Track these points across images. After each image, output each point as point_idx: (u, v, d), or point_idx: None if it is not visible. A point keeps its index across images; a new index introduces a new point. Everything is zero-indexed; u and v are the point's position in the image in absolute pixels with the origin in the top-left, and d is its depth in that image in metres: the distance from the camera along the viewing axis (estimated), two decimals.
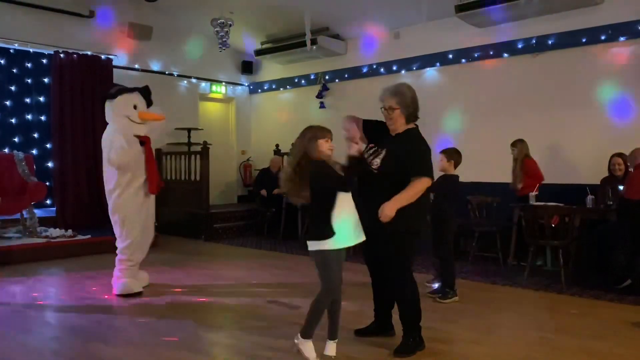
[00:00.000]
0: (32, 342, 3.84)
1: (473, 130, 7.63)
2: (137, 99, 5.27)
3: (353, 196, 3.33)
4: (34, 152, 8.44)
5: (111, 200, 5.13)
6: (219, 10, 8.46)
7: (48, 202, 8.56)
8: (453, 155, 5.04)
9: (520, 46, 7.25)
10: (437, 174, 5.15)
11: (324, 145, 3.26)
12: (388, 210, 3.32)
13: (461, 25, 7.52)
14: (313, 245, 3.27)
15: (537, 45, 7.10)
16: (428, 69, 8.26)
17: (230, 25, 8.55)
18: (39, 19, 8.11)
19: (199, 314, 4.56)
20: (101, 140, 5.18)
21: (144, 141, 5.20)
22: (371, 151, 3.68)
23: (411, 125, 3.66)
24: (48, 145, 8.70)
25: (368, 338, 3.87)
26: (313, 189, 3.21)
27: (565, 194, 6.40)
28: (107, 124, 5.22)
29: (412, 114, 3.61)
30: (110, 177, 5.11)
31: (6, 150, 7.99)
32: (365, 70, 9.00)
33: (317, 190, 3.22)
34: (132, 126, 5.15)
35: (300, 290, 5.23)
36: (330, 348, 3.38)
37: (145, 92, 5.39)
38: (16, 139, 8.51)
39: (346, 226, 3.26)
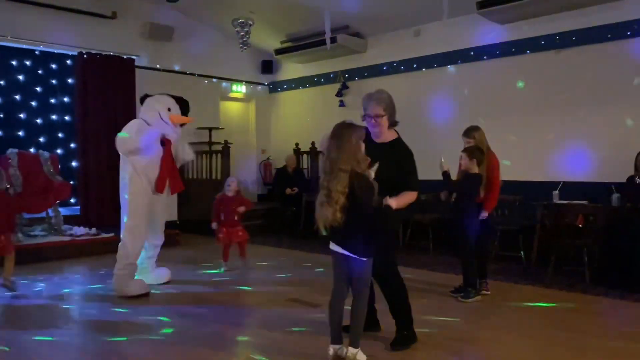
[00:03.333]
0: (58, 338, 3.92)
1: (494, 128, 7.50)
2: (173, 104, 5.43)
3: None
4: (59, 151, 8.59)
5: (123, 193, 5.19)
6: (239, 10, 8.51)
7: (72, 201, 8.71)
8: (475, 153, 4.95)
9: (542, 43, 7.15)
10: (455, 172, 5.18)
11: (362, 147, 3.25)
12: (394, 203, 3.38)
13: (482, 22, 7.45)
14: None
15: (560, 42, 7.00)
16: (449, 66, 8.20)
17: (251, 25, 8.59)
18: (63, 21, 8.25)
19: (220, 312, 4.59)
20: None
21: (164, 142, 5.27)
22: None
23: (394, 134, 3.78)
24: (72, 145, 8.85)
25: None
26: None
27: (590, 193, 6.30)
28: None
29: (394, 120, 3.76)
30: (123, 171, 5.19)
31: (32, 150, 8.14)
32: (385, 68, 8.97)
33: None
34: (158, 122, 5.23)
35: (320, 288, 5.23)
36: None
37: (183, 104, 5.55)
38: (41, 139, 8.68)
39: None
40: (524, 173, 7.14)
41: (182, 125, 5.57)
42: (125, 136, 5.04)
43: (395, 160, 3.62)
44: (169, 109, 5.33)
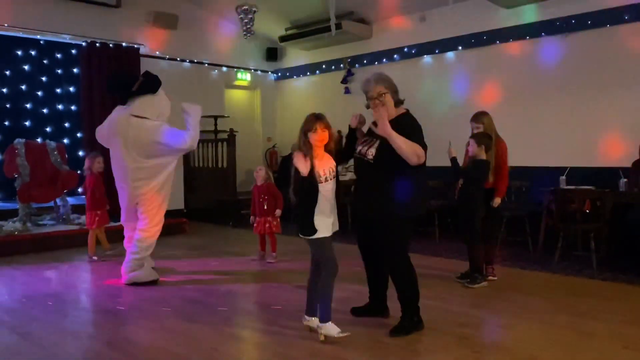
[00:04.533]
0: (68, 326, 3.96)
1: (501, 114, 7.45)
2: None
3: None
4: (65, 141, 8.62)
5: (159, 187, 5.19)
6: None
7: (80, 190, 8.74)
8: (483, 139, 4.91)
9: (549, 26, 7.08)
10: (461, 158, 5.16)
11: (312, 137, 3.49)
12: (387, 128, 3.46)
13: (488, 7, 7.38)
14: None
15: (568, 26, 6.92)
16: (454, 51, 8.14)
17: (255, 12, 8.55)
18: (67, 10, 8.23)
19: (227, 299, 4.63)
20: (143, 123, 5.09)
21: None
22: (364, 142, 3.75)
23: (402, 110, 3.74)
24: (78, 135, 8.88)
25: (364, 318, 3.94)
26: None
27: (597, 178, 6.27)
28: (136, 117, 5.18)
29: (398, 99, 3.73)
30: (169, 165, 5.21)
31: (39, 139, 8.18)
32: (390, 54, 8.91)
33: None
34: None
35: None
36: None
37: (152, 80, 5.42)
38: (48, 129, 8.72)
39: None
40: (531, 159, 7.11)
41: None
42: (192, 134, 5.07)
43: (398, 131, 3.52)
44: None
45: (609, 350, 3.40)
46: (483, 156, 4.88)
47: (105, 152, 5.73)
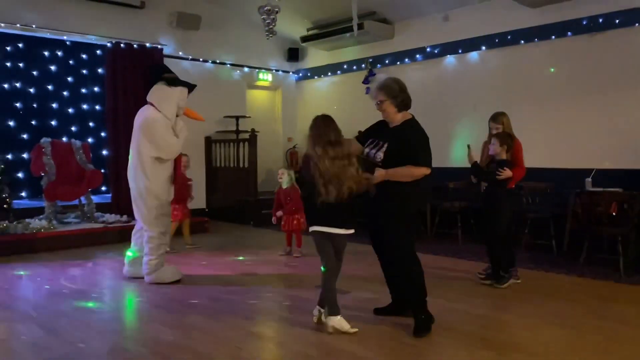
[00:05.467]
0: (94, 322, 4.01)
1: (525, 114, 7.40)
2: (186, 95, 5.32)
3: None
4: (90, 140, 8.75)
5: (142, 183, 5.08)
6: None
7: (104, 188, 8.87)
8: (506, 139, 4.88)
9: (576, 26, 6.96)
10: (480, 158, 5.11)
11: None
12: (378, 175, 3.68)
13: (513, 6, 7.29)
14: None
15: (595, 25, 6.80)
16: (478, 51, 8.05)
17: (277, 12, 8.54)
18: (93, 11, 8.34)
19: (250, 297, 4.64)
20: (142, 120, 5.09)
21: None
22: (372, 145, 3.92)
23: (408, 116, 3.88)
24: (103, 134, 9.00)
25: (387, 318, 3.97)
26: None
27: (624, 180, 6.15)
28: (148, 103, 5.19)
29: (401, 103, 3.84)
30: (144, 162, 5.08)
31: (64, 139, 8.31)
32: (412, 54, 8.86)
33: None
34: (174, 116, 5.18)
35: (346, 277, 5.25)
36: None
37: (191, 89, 5.40)
38: (73, 128, 8.85)
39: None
40: (555, 160, 7.01)
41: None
42: (168, 142, 5.05)
43: (404, 140, 3.73)
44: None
45: (637, 356, 3.34)
46: (504, 156, 4.87)
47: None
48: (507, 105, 7.04)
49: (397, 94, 3.83)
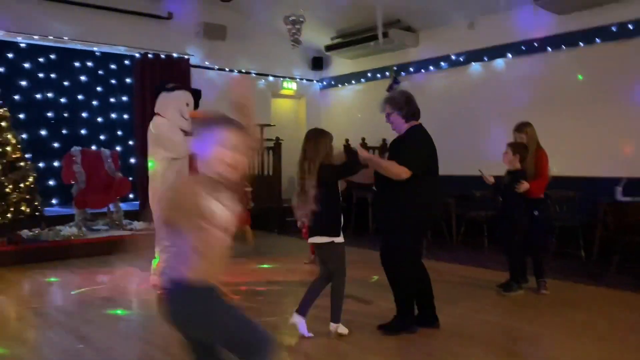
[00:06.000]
0: (123, 330, 4.09)
1: (552, 122, 7.31)
2: (190, 98, 5.45)
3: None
4: (118, 148, 8.93)
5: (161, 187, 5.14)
6: (291, 7, 8.56)
7: (131, 196, 9.03)
8: (519, 149, 4.91)
9: (605, 33, 6.85)
10: (497, 166, 5.06)
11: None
12: (364, 153, 3.81)
13: (540, 13, 7.21)
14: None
15: (624, 32, 6.68)
16: (504, 59, 7.98)
17: (302, 22, 8.63)
18: (122, 23, 8.53)
19: (275, 306, 4.66)
20: (149, 128, 5.28)
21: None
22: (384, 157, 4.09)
23: (413, 123, 3.94)
24: (131, 142, 9.17)
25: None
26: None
27: None
28: (155, 114, 5.36)
29: (408, 113, 3.92)
30: (160, 168, 5.18)
31: (93, 147, 8.50)
32: (437, 62, 8.83)
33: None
34: (180, 120, 5.28)
35: (373, 285, 5.24)
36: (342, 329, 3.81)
37: (196, 95, 5.56)
38: (102, 137, 9.05)
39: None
40: (583, 168, 6.89)
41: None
42: (173, 140, 5.13)
43: (400, 145, 3.88)
44: (187, 104, 5.37)
45: None
46: (518, 166, 4.89)
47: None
48: (534, 113, 6.98)
49: (403, 105, 3.92)
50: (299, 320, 3.79)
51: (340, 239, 3.75)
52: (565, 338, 3.81)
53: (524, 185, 4.79)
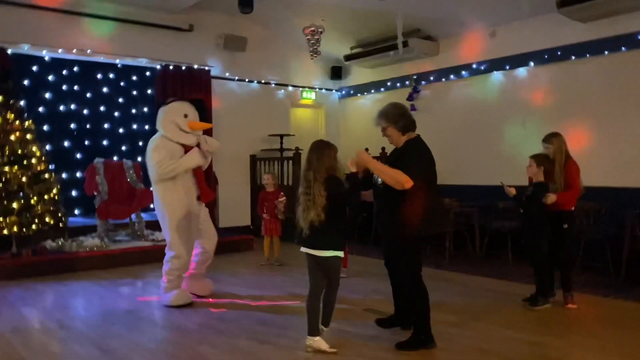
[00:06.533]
0: (146, 343, 4.08)
1: (577, 132, 7.19)
2: (189, 109, 5.27)
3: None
4: (140, 159, 8.98)
5: (158, 205, 5.18)
6: (310, 18, 8.58)
7: (153, 206, 9.05)
8: (543, 161, 4.86)
9: (630, 41, 6.73)
10: (520, 176, 4.97)
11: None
12: (362, 154, 3.87)
13: (563, 21, 7.11)
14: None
15: None
16: (526, 67, 7.88)
17: (322, 33, 8.63)
18: (143, 35, 8.61)
19: (297, 320, 4.61)
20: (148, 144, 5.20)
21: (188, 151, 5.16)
22: None
23: (412, 136, 3.96)
24: None
25: (387, 329, 4.18)
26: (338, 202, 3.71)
27: None
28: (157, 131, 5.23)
29: (405, 126, 3.93)
30: (155, 183, 5.16)
31: (115, 158, 8.58)
32: (458, 70, 8.76)
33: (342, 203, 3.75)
34: (179, 134, 5.10)
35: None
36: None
37: (197, 105, 5.40)
38: (123, 148, 9.13)
39: None
40: (611, 179, 6.75)
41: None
42: (156, 161, 4.97)
43: (399, 157, 3.88)
44: (185, 115, 5.17)
45: None
46: (541, 178, 4.85)
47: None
48: (558, 122, 6.88)
49: (398, 118, 3.93)
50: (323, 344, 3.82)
51: (341, 253, 3.83)
52: (593, 356, 3.70)
53: (551, 198, 4.72)
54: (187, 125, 5.16)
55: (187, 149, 5.15)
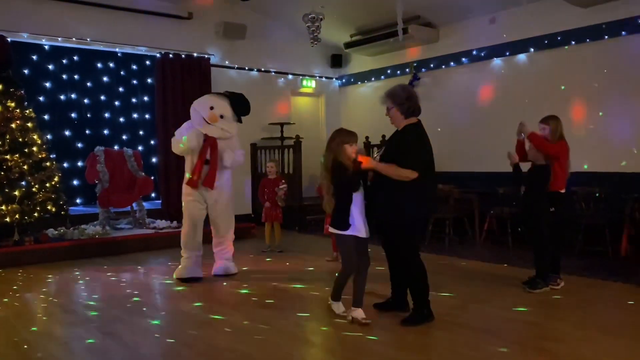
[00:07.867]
0: (148, 326, 4.12)
1: (576, 117, 7.20)
2: (217, 102, 5.52)
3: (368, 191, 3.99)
4: (140, 148, 9.01)
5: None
6: (310, 5, 8.56)
7: (154, 195, 9.10)
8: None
9: (631, 25, 6.72)
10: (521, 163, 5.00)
11: (348, 149, 3.87)
12: (365, 162, 3.87)
13: (563, 6, 7.10)
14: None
15: None
16: (526, 53, 7.87)
17: (321, 20, 8.61)
18: (142, 24, 8.61)
19: (299, 303, 4.66)
20: None
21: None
22: (379, 151, 4.20)
23: (412, 121, 3.99)
24: (152, 142, 9.25)
25: (385, 312, 4.23)
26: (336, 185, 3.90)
27: None
28: None
29: (408, 110, 3.97)
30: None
31: (116, 147, 8.60)
32: (458, 57, 8.74)
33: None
34: (202, 123, 5.44)
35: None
36: (356, 313, 3.99)
37: (236, 99, 5.64)
38: (124, 137, 9.14)
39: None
40: (610, 164, 6.77)
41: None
42: (175, 138, 5.49)
43: (397, 143, 3.96)
44: (211, 108, 5.45)
45: None
46: (542, 161, 4.86)
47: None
48: (558, 107, 6.88)
49: (404, 101, 3.96)
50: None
51: (346, 233, 3.90)
52: (596, 336, 3.74)
53: (527, 129, 4.91)
54: (208, 116, 5.43)
55: (207, 138, 5.45)
